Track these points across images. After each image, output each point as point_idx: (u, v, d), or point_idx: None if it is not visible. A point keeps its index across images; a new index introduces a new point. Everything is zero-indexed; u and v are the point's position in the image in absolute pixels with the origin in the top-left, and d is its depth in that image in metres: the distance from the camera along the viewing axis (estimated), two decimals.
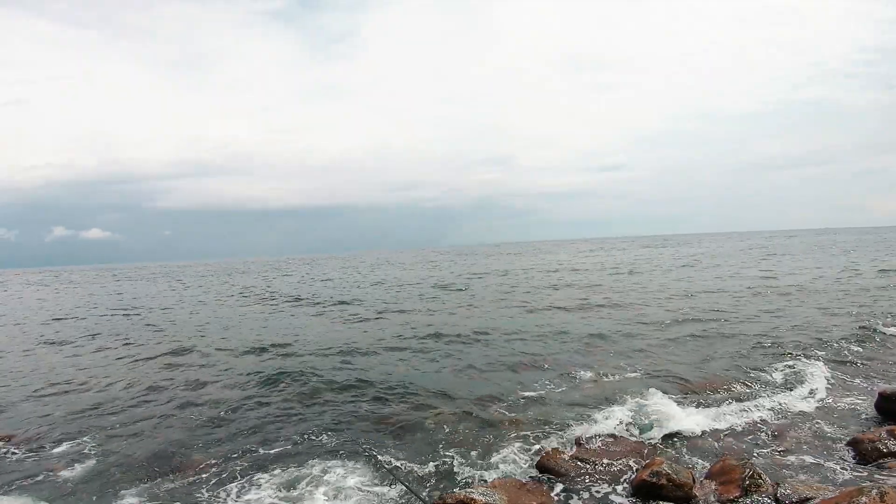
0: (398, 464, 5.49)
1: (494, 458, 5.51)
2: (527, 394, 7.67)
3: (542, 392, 7.73)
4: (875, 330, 11.09)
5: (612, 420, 6.21)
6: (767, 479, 4.46)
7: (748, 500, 4.24)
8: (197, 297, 27.13)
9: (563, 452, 5.41)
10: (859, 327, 11.37)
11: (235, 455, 5.88)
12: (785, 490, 4.24)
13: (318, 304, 20.78)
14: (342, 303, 20.50)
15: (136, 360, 11.27)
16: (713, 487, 4.55)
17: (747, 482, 4.40)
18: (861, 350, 9.67)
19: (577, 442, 5.66)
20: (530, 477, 5.02)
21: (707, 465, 5.13)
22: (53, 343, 14.06)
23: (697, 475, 4.77)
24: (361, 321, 15.59)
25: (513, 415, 6.75)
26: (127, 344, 13.32)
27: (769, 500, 4.20)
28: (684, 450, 5.62)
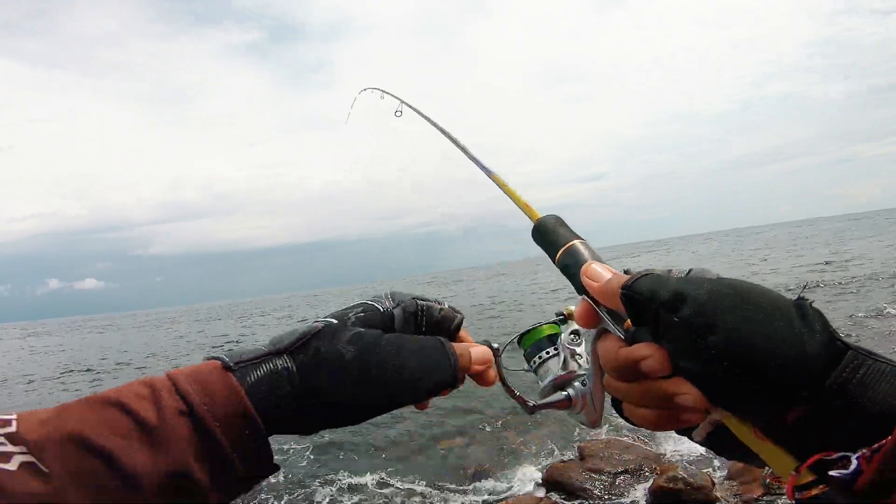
0: (411, 487, 5.32)
1: (505, 478, 5.34)
2: None
3: None
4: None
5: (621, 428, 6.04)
6: None
7: (772, 499, 4.07)
8: None
9: (575, 465, 5.24)
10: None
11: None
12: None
13: None
14: None
15: None
16: (735, 488, 4.38)
17: (769, 479, 4.23)
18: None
19: (582, 454, 5.48)
20: (544, 493, 4.85)
21: (725, 466, 4.95)
22: None
23: (717, 477, 4.60)
24: None
25: (524, 432, 6.58)
26: None
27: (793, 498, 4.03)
28: (700, 453, 5.44)
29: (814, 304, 0.48)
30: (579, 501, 4.65)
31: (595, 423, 0.67)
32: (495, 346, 0.68)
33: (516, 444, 6.19)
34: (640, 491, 4.66)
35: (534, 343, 0.72)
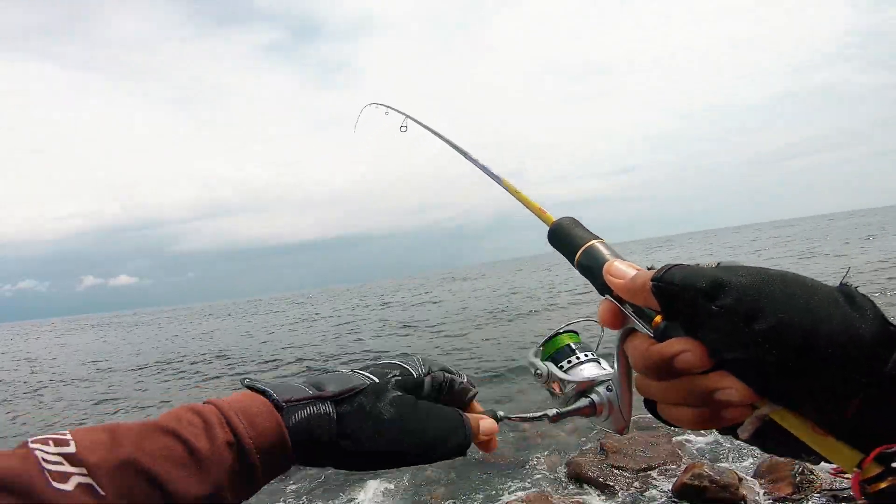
0: (430, 478, 5.35)
1: (527, 471, 5.33)
2: None
3: None
4: None
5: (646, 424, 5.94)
6: (821, 473, 4.16)
7: (802, 497, 3.95)
8: None
9: (597, 460, 5.19)
10: None
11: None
12: (842, 484, 3.94)
13: None
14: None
15: None
16: (762, 486, 4.27)
17: (798, 478, 4.11)
18: None
19: (604, 449, 5.42)
20: (565, 487, 4.82)
21: (751, 464, 4.83)
22: None
23: (743, 474, 4.49)
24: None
25: (545, 426, 6.55)
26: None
27: (825, 496, 3.91)
28: (726, 450, 5.32)
29: (858, 289, 0.45)
30: (601, 496, 4.61)
31: (622, 430, 0.66)
32: (500, 414, 0.75)
33: (537, 438, 6.17)
34: (664, 487, 4.59)
35: (554, 352, 0.72)
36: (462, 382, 0.75)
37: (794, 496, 4.02)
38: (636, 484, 4.73)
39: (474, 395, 0.77)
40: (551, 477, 5.17)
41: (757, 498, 4.13)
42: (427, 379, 0.71)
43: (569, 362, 0.70)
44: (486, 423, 0.72)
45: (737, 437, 0.50)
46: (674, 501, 4.32)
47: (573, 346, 0.71)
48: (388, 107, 1.45)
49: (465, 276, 66.33)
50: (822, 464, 0.47)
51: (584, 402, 0.67)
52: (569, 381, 0.69)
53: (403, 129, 1.32)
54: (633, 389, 0.60)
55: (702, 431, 5.75)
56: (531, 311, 17.88)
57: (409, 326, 18.41)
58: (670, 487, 4.50)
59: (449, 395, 0.74)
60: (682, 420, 0.51)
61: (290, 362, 14.10)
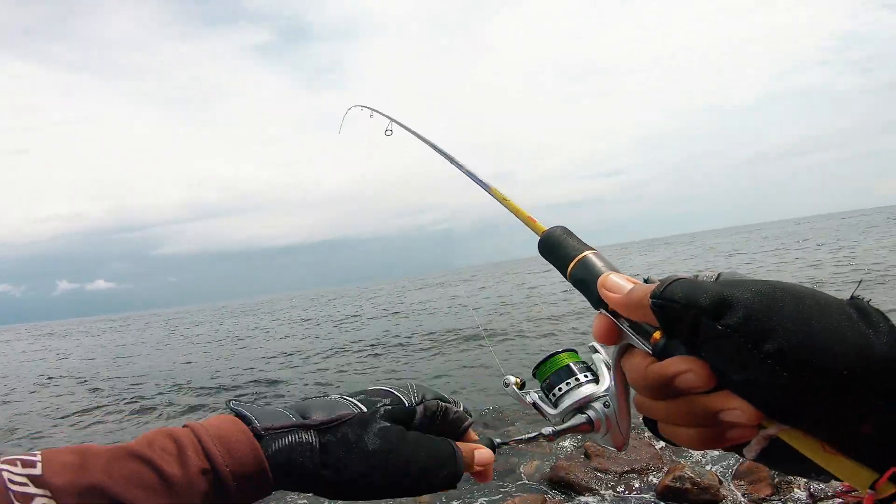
0: None
1: (512, 477, 5.31)
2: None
3: None
4: None
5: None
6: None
7: (780, 498, 4.02)
8: None
9: (580, 464, 5.21)
10: None
11: None
12: (818, 485, 4.02)
13: None
14: None
15: None
16: (742, 487, 4.33)
17: (777, 479, 4.18)
18: None
19: (587, 452, 5.44)
20: (548, 491, 4.83)
21: (731, 465, 4.90)
22: None
23: (723, 476, 4.55)
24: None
25: (528, 430, 6.55)
26: None
27: (803, 497, 3.98)
28: (707, 452, 5.39)
29: (871, 303, 0.44)
30: (584, 500, 4.62)
31: (621, 447, 0.64)
32: (497, 441, 0.74)
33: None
34: (647, 490, 4.62)
35: (552, 374, 0.69)
36: (457, 412, 0.73)
37: (772, 497, 4.09)
38: (619, 487, 4.76)
39: (470, 425, 0.76)
40: (536, 482, 5.17)
41: (737, 499, 4.19)
42: (419, 408, 0.69)
43: (567, 384, 0.67)
44: (482, 454, 0.71)
45: (742, 456, 0.49)
46: (655, 503, 4.36)
47: (573, 367, 0.67)
48: (372, 109, 1.42)
49: (460, 279, 66.37)
50: (832, 482, 0.46)
51: (581, 418, 0.65)
52: (555, 415, 0.68)
53: (389, 132, 1.30)
54: (632, 406, 0.59)
55: None
56: (526, 319, 17.88)
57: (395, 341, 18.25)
58: (653, 490, 4.54)
59: (443, 424, 0.72)
60: (684, 440, 0.50)
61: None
